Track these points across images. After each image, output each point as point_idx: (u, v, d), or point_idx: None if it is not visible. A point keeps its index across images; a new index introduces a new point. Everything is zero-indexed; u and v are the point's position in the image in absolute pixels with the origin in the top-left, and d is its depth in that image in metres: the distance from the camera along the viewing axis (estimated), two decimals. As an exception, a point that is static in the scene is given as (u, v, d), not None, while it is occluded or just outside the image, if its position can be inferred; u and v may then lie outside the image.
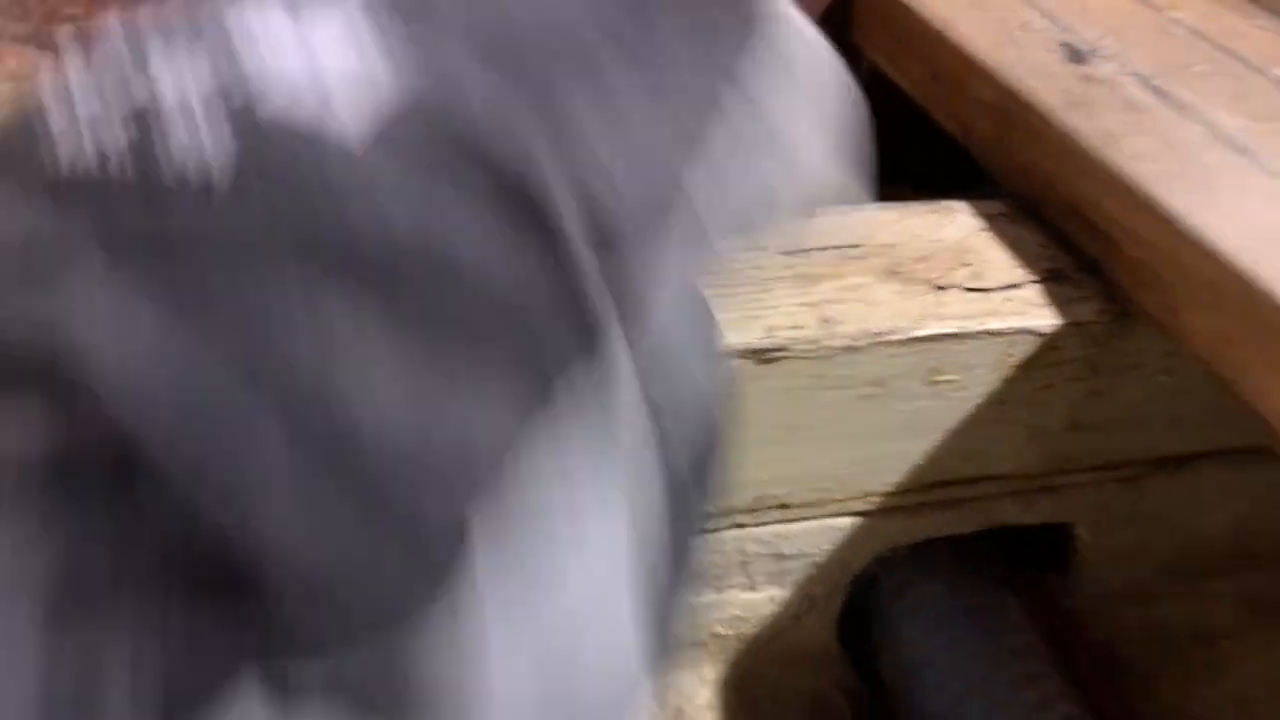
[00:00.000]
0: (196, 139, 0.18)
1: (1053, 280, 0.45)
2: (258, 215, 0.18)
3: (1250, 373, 0.38)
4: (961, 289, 0.44)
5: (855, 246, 0.46)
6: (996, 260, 0.46)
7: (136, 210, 0.18)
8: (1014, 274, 0.45)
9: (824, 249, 0.46)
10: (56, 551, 0.16)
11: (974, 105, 0.52)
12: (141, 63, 0.20)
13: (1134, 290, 0.43)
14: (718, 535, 0.46)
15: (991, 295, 0.44)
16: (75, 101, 0.19)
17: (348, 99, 0.19)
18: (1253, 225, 0.40)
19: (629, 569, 0.22)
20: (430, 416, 0.18)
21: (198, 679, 0.16)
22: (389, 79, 0.20)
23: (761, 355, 0.41)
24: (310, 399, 0.17)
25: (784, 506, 0.46)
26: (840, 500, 0.47)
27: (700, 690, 0.51)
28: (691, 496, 0.25)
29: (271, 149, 0.19)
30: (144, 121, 0.19)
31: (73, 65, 0.20)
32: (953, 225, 0.48)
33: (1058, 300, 0.44)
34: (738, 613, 0.50)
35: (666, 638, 0.24)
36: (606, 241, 0.21)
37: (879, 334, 0.42)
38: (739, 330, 0.41)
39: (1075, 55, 0.52)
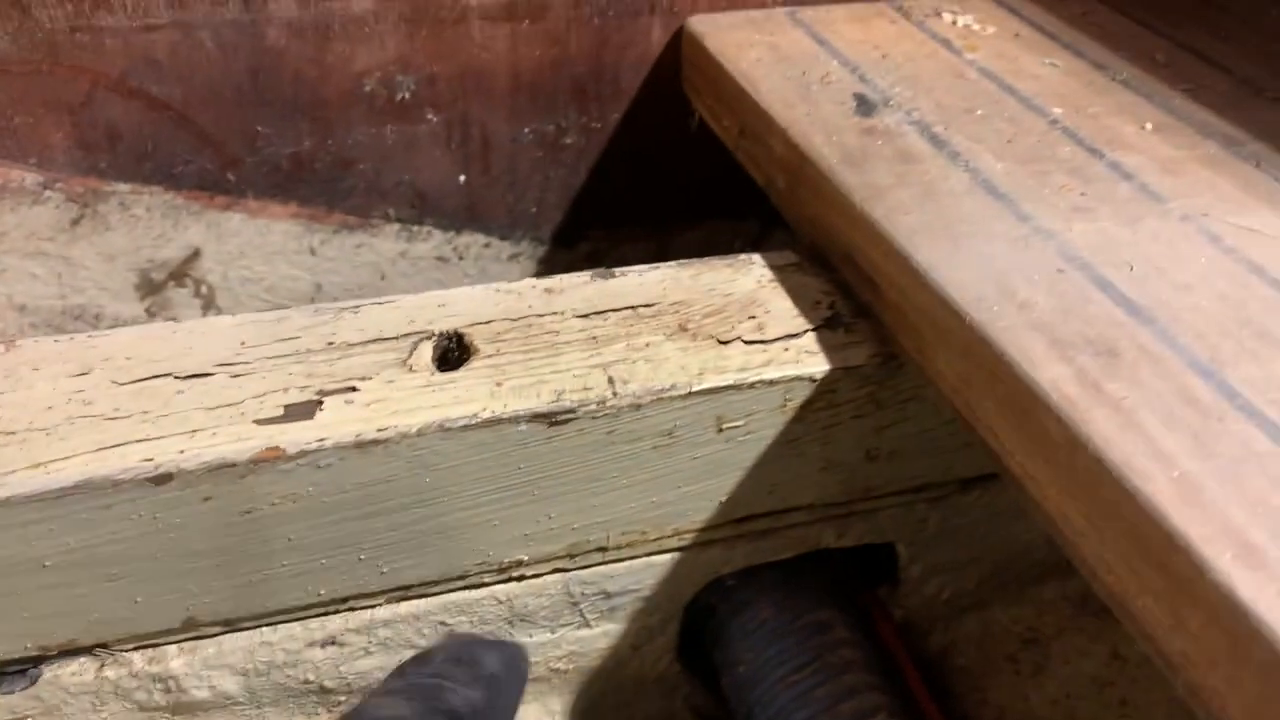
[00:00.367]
0: None
1: (829, 327, 0.48)
2: None
3: (982, 413, 0.41)
4: (743, 342, 0.47)
5: (649, 305, 0.49)
6: (780, 310, 0.49)
7: None
8: (794, 323, 0.48)
9: (619, 309, 0.49)
10: None
11: (772, 159, 0.55)
12: None
13: (895, 333, 0.46)
14: (540, 581, 0.50)
15: (770, 346, 0.47)
16: None
17: None
18: (991, 273, 0.43)
19: None
20: None
21: None
22: None
23: (551, 419, 0.44)
24: None
25: (602, 549, 0.50)
26: (655, 539, 0.50)
27: (546, 722, 0.54)
28: None
29: None
30: None
31: None
32: (746, 278, 0.51)
33: (831, 346, 0.47)
34: (575, 649, 0.53)
35: None
36: None
37: (661, 391, 0.45)
38: (530, 396, 0.44)
39: (864, 107, 0.55)
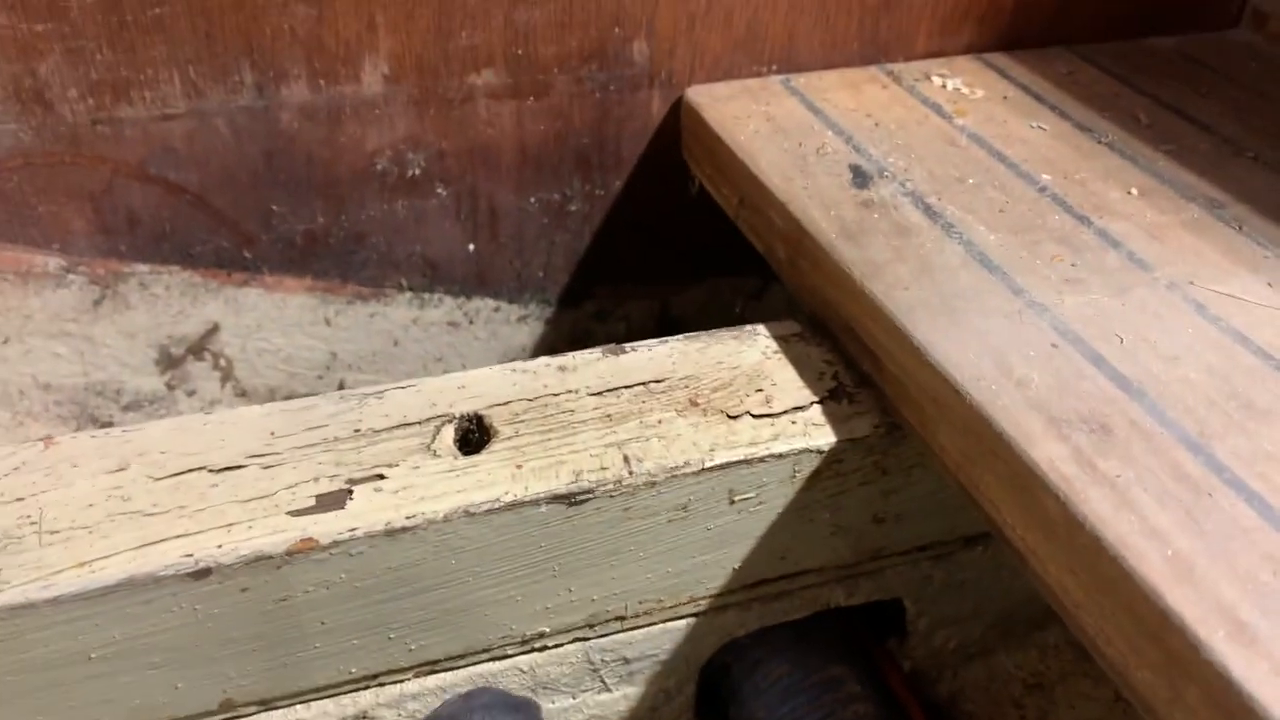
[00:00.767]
0: None
1: (833, 399, 0.50)
2: None
3: (984, 486, 0.43)
4: (752, 416, 0.49)
5: (660, 381, 0.51)
6: (785, 382, 0.51)
7: None
8: (800, 395, 0.50)
9: (631, 386, 0.51)
10: None
11: (772, 230, 0.57)
12: None
13: (897, 405, 0.48)
14: (561, 650, 0.52)
15: (778, 420, 0.49)
16: None
17: None
18: (988, 349, 0.45)
19: None
20: None
21: None
22: None
23: (570, 499, 0.46)
24: None
25: (621, 619, 0.52)
26: (671, 607, 0.52)
27: (570, 784, 0.56)
28: None
29: None
30: None
31: None
32: (752, 349, 0.53)
33: (837, 418, 0.49)
34: (595, 712, 0.55)
35: None
36: None
37: (675, 468, 0.47)
38: (549, 478, 0.46)
39: (860, 178, 0.57)
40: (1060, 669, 0.62)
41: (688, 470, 0.47)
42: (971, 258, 0.51)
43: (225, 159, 0.62)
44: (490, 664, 0.51)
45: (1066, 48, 0.73)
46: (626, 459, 0.47)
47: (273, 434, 0.47)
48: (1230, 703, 0.32)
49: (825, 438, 0.48)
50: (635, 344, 0.53)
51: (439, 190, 0.66)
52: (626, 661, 0.54)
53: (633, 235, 0.72)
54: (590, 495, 0.46)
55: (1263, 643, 0.33)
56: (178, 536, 0.43)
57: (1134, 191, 0.57)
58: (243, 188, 0.63)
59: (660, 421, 0.49)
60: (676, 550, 0.50)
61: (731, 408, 0.50)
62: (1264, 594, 0.35)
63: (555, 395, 0.50)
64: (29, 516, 0.43)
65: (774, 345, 0.53)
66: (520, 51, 0.63)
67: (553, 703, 0.54)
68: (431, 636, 0.48)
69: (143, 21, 0.57)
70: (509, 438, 0.48)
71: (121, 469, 0.46)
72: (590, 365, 0.52)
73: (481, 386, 0.50)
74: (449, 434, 0.48)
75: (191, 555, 0.42)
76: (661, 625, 0.53)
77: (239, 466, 0.46)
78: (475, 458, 0.47)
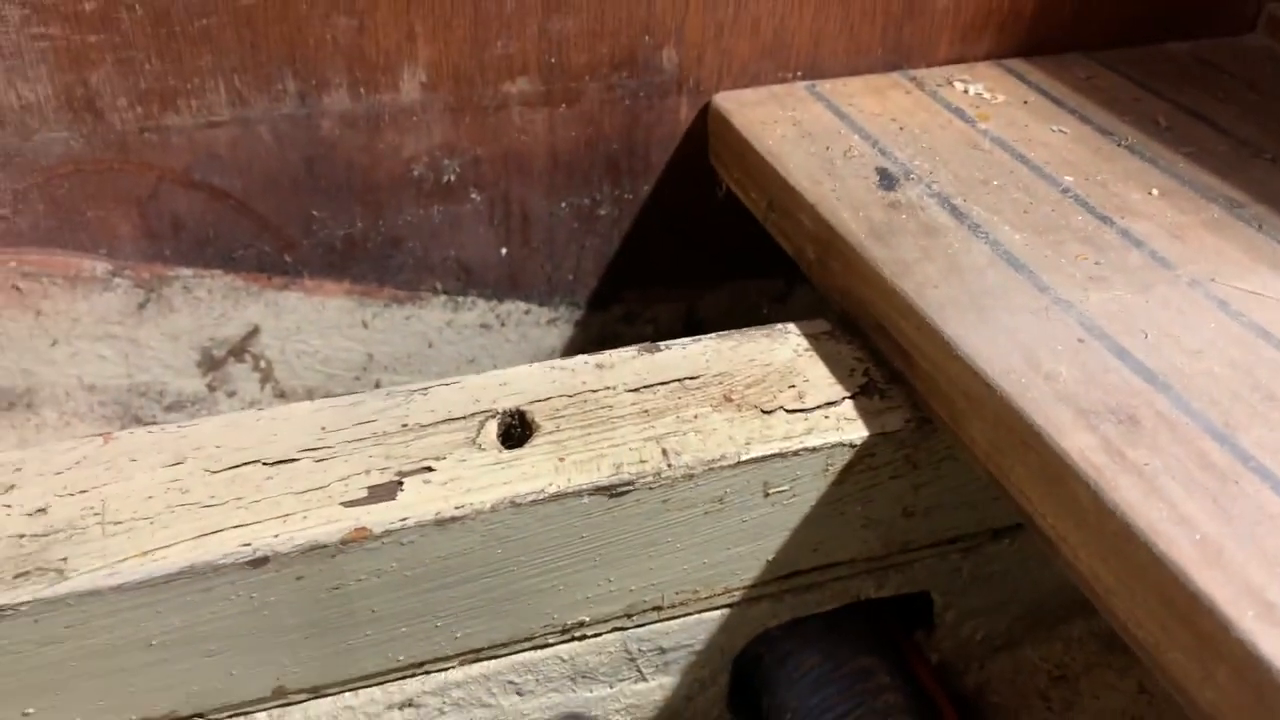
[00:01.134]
0: None
1: (864, 394, 0.52)
2: None
3: (1014, 477, 0.45)
4: (785, 411, 0.51)
5: (695, 378, 0.53)
6: (817, 378, 0.53)
7: None
8: (832, 391, 0.52)
9: (667, 383, 0.52)
10: None
11: (801, 232, 0.59)
12: None
13: (928, 399, 0.50)
14: (600, 639, 0.53)
15: (811, 415, 0.51)
16: None
17: None
18: (1017, 345, 0.47)
19: None
20: None
21: None
22: None
23: (612, 491, 0.47)
24: None
25: (658, 609, 0.53)
26: (706, 598, 0.53)
27: (607, 772, 0.57)
28: None
29: None
30: None
31: None
32: (784, 347, 0.55)
33: (869, 413, 0.51)
34: (632, 701, 0.57)
35: None
36: None
37: (711, 461, 0.48)
38: (591, 470, 0.47)
39: (887, 181, 0.59)
40: (1085, 661, 0.63)
41: (724, 463, 0.48)
42: (998, 256, 0.53)
43: (268, 165, 0.64)
44: (532, 653, 0.52)
45: (1085, 54, 0.74)
46: (665, 452, 0.48)
47: (323, 429, 0.49)
48: (1260, 679, 0.34)
49: (857, 432, 0.50)
50: (669, 342, 0.55)
51: (473, 196, 0.68)
52: (663, 651, 0.55)
53: (661, 239, 0.74)
54: (631, 487, 0.48)
55: (1290, 621, 0.34)
56: (235, 527, 0.44)
57: (1155, 192, 0.58)
58: (284, 194, 0.65)
59: (696, 416, 0.50)
60: (712, 541, 0.51)
61: (765, 403, 0.51)
62: (1291, 575, 0.36)
63: (594, 391, 0.52)
64: (92, 508, 0.45)
65: (805, 343, 0.55)
66: (553, 60, 0.65)
67: (591, 692, 0.55)
68: (477, 624, 0.50)
69: (190, 32, 0.59)
70: (550, 432, 0.49)
71: (178, 463, 0.47)
72: (627, 363, 0.54)
73: (522, 383, 0.52)
74: (493, 428, 0.49)
75: (249, 544, 0.44)
76: (697, 616, 0.54)
77: (292, 460, 0.47)
78: (519, 451, 0.48)
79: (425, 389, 0.51)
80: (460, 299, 0.72)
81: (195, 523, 0.44)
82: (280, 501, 0.45)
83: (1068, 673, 0.63)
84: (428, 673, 0.51)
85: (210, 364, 0.69)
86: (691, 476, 0.48)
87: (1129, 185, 0.59)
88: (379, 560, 0.45)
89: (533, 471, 0.47)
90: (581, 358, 0.54)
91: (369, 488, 0.46)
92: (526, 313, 0.74)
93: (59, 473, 0.47)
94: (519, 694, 0.53)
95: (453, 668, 0.51)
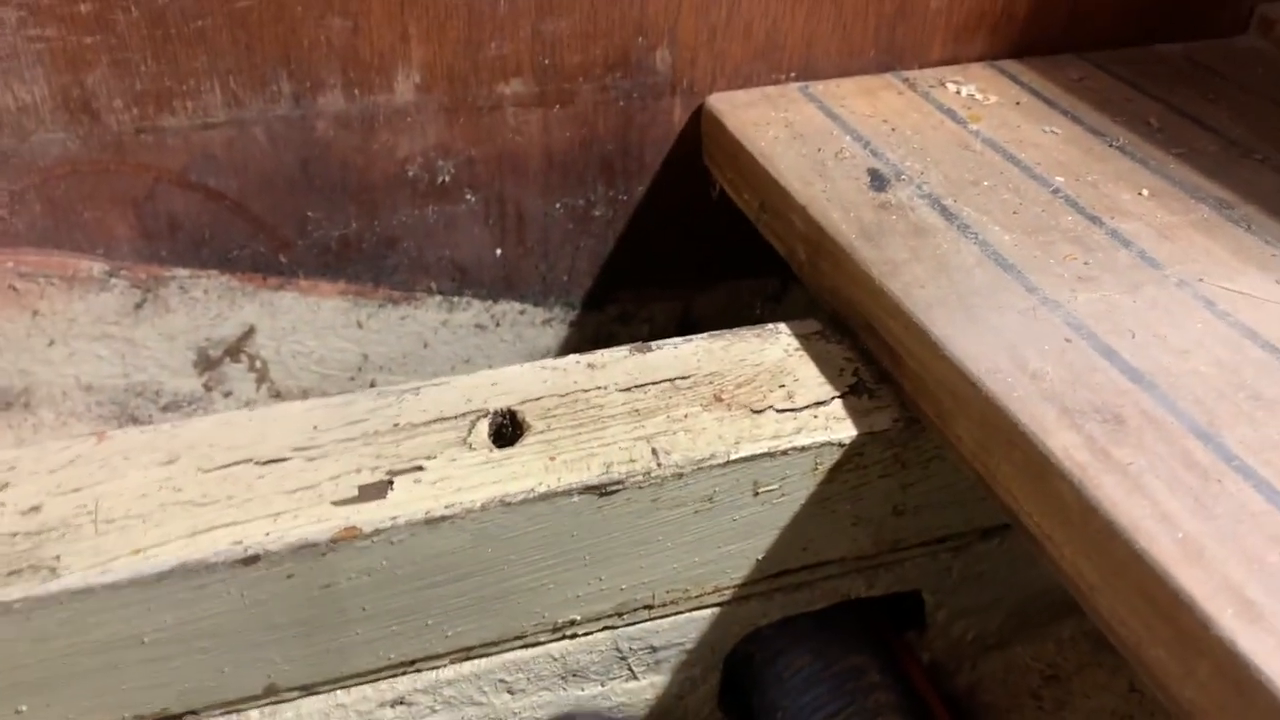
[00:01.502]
0: None
1: (854, 394, 0.52)
2: None
3: (1000, 476, 0.45)
4: (775, 410, 0.51)
5: (686, 378, 0.53)
6: (807, 378, 0.53)
7: None
8: (821, 391, 0.52)
9: (658, 382, 0.53)
10: None
11: (793, 233, 0.59)
12: None
13: (916, 399, 0.50)
14: (591, 638, 0.53)
15: (800, 414, 0.51)
16: None
17: None
18: (1004, 344, 0.47)
19: None
20: None
21: None
22: None
23: (601, 490, 0.48)
24: None
25: (648, 607, 0.53)
26: (696, 596, 0.54)
27: (599, 769, 0.57)
28: None
29: None
30: None
31: None
32: (774, 347, 0.55)
33: (857, 412, 0.51)
34: (624, 700, 0.57)
35: None
36: None
37: (701, 460, 0.49)
38: (581, 470, 0.48)
39: (878, 182, 0.59)
40: (1077, 660, 0.64)
41: (714, 462, 0.49)
42: (987, 257, 0.53)
43: (263, 166, 0.64)
44: (523, 651, 0.52)
45: (1077, 55, 0.74)
46: (655, 452, 0.49)
47: (315, 428, 0.49)
48: (1239, 676, 0.34)
49: (846, 431, 0.50)
50: (661, 342, 0.55)
51: (468, 196, 0.68)
52: (653, 650, 0.55)
53: (656, 239, 0.74)
54: (620, 486, 0.48)
55: (1269, 619, 0.35)
56: (227, 525, 0.45)
57: (1145, 193, 0.58)
58: (280, 194, 0.65)
59: (686, 416, 0.51)
60: (702, 540, 0.51)
61: (755, 403, 0.51)
62: (1270, 574, 0.36)
63: (585, 391, 0.52)
64: (85, 506, 0.45)
65: (795, 343, 0.55)
66: (547, 61, 0.65)
67: (582, 690, 0.55)
68: (467, 623, 0.50)
69: (186, 34, 0.59)
70: (541, 432, 0.50)
71: (171, 461, 0.48)
72: (618, 362, 0.54)
73: (514, 383, 0.52)
74: (484, 428, 0.50)
75: (240, 543, 0.44)
76: (687, 614, 0.55)
77: (284, 459, 0.48)
78: (509, 450, 0.49)
79: (417, 389, 0.52)
80: (455, 299, 0.72)
81: (187, 521, 0.45)
82: (271, 500, 0.46)
83: (1059, 672, 0.63)
84: (419, 671, 0.51)
85: (206, 364, 0.70)
86: (681, 476, 0.49)
87: (1119, 186, 0.59)
88: (369, 559, 0.46)
89: (523, 471, 0.47)
90: (573, 357, 0.54)
91: (360, 487, 0.46)
92: (521, 313, 0.75)
93: (53, 471, 0.47)
94: (510, 692, 0.54)
95: (444, 666, 0.51)
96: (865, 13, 0.69)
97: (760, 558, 0.53)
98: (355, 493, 0.46)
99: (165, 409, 0.70)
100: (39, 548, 0.43)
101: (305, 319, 0.70)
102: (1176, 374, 0.45)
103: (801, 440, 0.50)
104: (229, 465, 0.48)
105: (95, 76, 0.59)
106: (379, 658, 0.50)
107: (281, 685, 0.49)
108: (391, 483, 0.46)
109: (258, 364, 0.70)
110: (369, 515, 0.45)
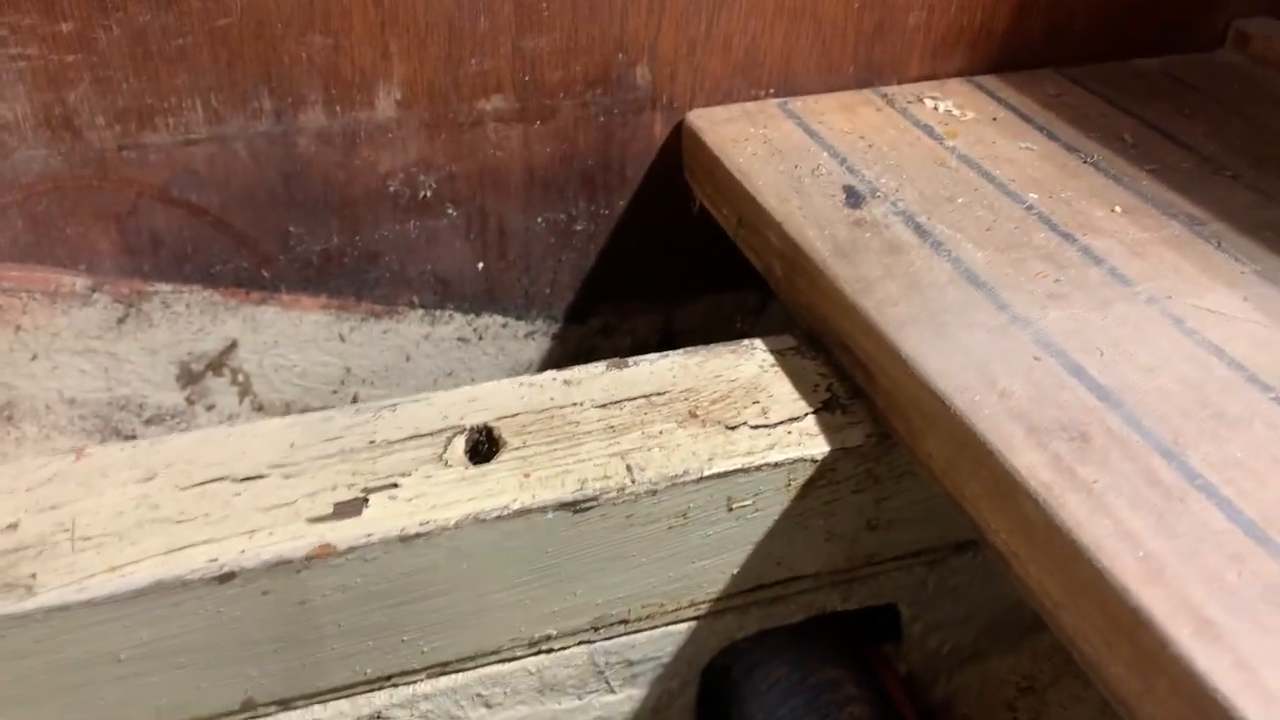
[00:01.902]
0: None
1: (827, 410, 0.52)
2: None
3: (968, 493, 0.46)
4: (749, 426, 0.52)
5: (661, 394, 0.53)
6: (781, 394, 0.53)
7: None
8: (795, 407, 0.53)
9: (634, 399, 0.53)
10: None
11: (769, 249, 0.60)
12: None
13: (888, 416, 0.51)
14: (567, 652, 0.54)
15: (774, 430, 0.51)
16: None
17: None
18: (973, 362, 0.48)
19: None
20: None
21: None
22: None
23: (576, 507, 0.48)
24: None
25: (624, 622, 0.54)
26: (672, 611, 0.54)
27: (576, 782, 0.58)
28: None
29: None
30: None
31: None
32: (749, 363, 0.55)
33: (831, 428, 0.51)
34: (601, 714, 0.57)
35: None
36: None
37: (675, 477, 0.49)
38: (555, 486, 0.48)
39: (853, 199, 0.60)
40: (1052, 672, 0.64)
41: (688, 479, 0.49)
42: (959, 274, 0.54)
43: (245, 182, 0.65)
44: (500, 665, 0.53)
45: (1056, 70, 0.75)
46: (629, 468, 0.49)
47: (292, 445, 0.50)
48: (1196, 695, 0.34)
49: (819, 447, 0.51)
50: (637, 358, 0.56)
51: (449, 211, 0.69)
52: (630, 664, 0.56)
53: (637, 253, 0.75)
54: (595, 503, 0.48)
55: (1227, 638, 0.35)
56: (203, 542, 0.45)
57: (1117, 209, 0.59)
58: (262, 209, 0.66)
59: (661, 432, 0.51)
60: (677, 556, 0.52)
61: (729, 419, 0.52)
62: (1229, 593, 0.37)
63: (561, 407, 0.52)
64: (62, 524, 0.46)
65: (770, 359, 0.56)
66: (527, 77, 0.66)
67: (559, 704, 0.56)
68: (443, 639, 0.50)
69: (167, 51, 0.60)
70: (517, 448, 0.50)
71: (149, 479, 0.48)
72: (594, 379, 0.55)
73: (491, 399, 0.53)
74: (460, 445, 0.50)
75: (216, 560, 0.44)
76: (664, 628, 0.55)
77: (261, 476, 0.48)
78: (485, 467, 0.49)
79: (394, 405, 0.52)
80: (438, 313, 0.73)
81: (164, 539, 0.45)
82: (248, 517, 0.46)
83: (1035, 684, 0.64)
84: (396, 685, 0.52)
85: (189, 378, 0.70)
86: (655, 492, 0.49)
87: (1092, 202, 0.60)
88: (344, 576, 0.46)
89: (498, 488, 0.48)
90: (550, 374, 0.55)
91: (335, 504, 0.47)
92: (504, 326, 0.75)
93: (30, 489, 0.47)
94: (487, 706, 0.54)
95: (420, 680, 0.52)
96: (844, 29, 0.70)
97: (735, 572, 0.54)
98: (331, 510, 0.46)
99: (148, 422, 0.71)
100: (15, 565, 0.44)
101: (288, 333, 0.70)
102: (1143, 392, 0.46)
103: (775, 456, 0.50)
104: (206, 482, 0.48)
105: (77, 94, 0.59)
106: (355, 673, 0.50)
107: (259, 700, 0.49)
108: (367, 500, 0.47)
109: (240, 378, 0.71)
110: (344, 533, 0.45)
